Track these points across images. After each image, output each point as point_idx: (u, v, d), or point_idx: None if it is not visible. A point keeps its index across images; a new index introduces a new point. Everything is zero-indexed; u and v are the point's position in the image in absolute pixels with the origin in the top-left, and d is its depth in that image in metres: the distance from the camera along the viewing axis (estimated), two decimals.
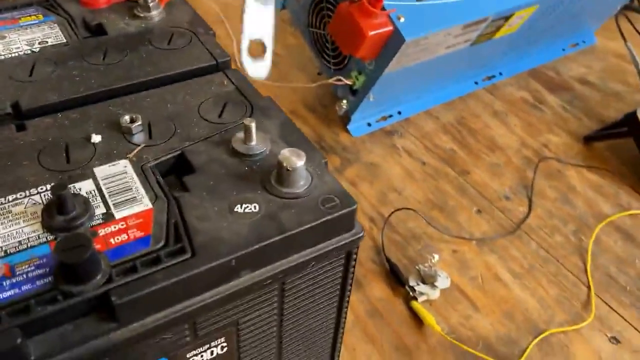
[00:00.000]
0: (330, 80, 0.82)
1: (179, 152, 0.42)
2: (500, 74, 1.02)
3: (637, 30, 0.96)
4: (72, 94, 0.45)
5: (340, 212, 0.38)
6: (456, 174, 0.83)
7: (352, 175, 0.82)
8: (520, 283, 0.69)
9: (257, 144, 0.41)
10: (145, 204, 0.38)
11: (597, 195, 0.81)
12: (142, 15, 0.55)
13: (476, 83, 0.99)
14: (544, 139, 0.90)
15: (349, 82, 0.80)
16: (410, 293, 0.65)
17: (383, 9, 0.69)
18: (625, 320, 0.66)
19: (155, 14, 0.56)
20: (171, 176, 0.41)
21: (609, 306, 0.67)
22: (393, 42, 0.71)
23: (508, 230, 0.75)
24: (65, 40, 0.52)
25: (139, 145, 0.42)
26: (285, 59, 1.04)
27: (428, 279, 0.66)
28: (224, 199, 0.38)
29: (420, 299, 0.65)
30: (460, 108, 0.96)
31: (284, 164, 0.38)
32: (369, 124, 0.90)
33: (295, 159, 0.38)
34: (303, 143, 0.42)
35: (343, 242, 0.40)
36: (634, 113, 0.80)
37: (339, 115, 0.88)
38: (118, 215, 0.37)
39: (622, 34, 0.91)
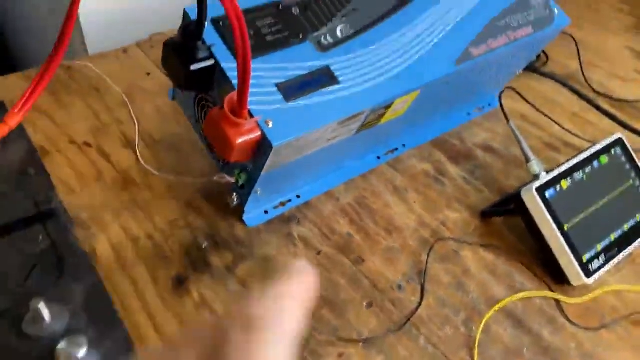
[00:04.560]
0: (215, 178, 0.80)
1: None
2: (404, 145, 1.02)
3: (525, 99, 0.97)
4: None
5: None
6: (351, 263, 0.82)
7: (244, 273, 0.80)
8: None
9: (52, 323, 0.39)
10: None
11: (491, 277, 0.80)
12: None
13: (378, 158, 0.99)
14: (443, 215, 0.90)
15: (232, 180, 0.79)
16: None
17: (251, 115, 0.69)
18: None
19: None
20: None
21: None
22: (263, 147, 0.70)
23: (398, 324, 0.74)
24: None
25: None
26: (185, 137, 1.02)
27: None
28: None
29: None
30: (361, 187, 0.95)
31: None
32: (266, 212, 0.88)
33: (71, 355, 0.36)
34: (107, 317, 0.40)
35: None
36: (519, 194, 0.80)
37: (233, 207, 0.86)
38: None
39: (505, 115, 0.91)
